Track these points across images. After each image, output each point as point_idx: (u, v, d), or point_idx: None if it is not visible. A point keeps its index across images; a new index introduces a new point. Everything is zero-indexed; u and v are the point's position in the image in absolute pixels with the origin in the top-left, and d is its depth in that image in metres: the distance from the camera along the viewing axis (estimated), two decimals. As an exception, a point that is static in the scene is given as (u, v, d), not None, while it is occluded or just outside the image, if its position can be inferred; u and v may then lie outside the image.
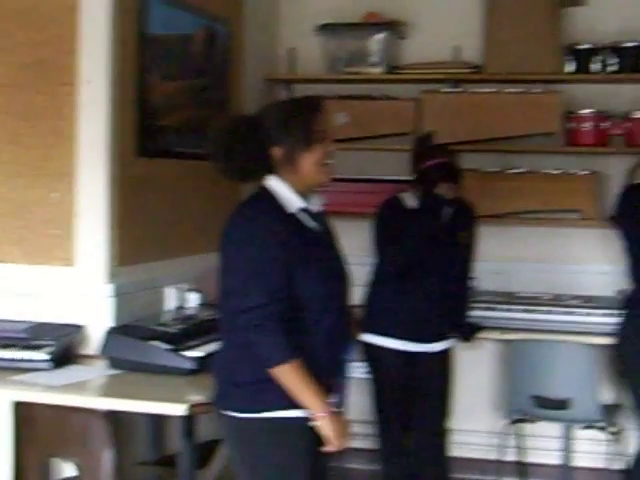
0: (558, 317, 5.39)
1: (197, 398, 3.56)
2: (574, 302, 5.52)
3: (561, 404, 5.07)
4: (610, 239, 5.20)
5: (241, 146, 3.12)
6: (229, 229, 3.15)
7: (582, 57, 5.65)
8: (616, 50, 5.60)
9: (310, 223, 3.22)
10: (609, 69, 5.62)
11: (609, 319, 5.02)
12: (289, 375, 3.05)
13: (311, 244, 3.18)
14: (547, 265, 5.89)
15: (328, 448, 3.13)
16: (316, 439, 3.15)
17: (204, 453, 4.12)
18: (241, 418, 3.14)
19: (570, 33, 5.70)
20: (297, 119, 3.14)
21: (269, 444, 3.17)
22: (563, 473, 5.58)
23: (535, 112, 5.62)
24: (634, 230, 4.73)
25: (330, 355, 3.26)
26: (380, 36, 5.79)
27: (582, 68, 5.64)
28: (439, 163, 4.51)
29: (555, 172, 5.66)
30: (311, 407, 3.07)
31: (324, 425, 3.08)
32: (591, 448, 5.52)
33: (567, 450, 5.52)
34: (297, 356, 3.02)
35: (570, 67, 5.65)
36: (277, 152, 3.11)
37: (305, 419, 3.15)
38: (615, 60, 5.61)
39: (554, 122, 5.60)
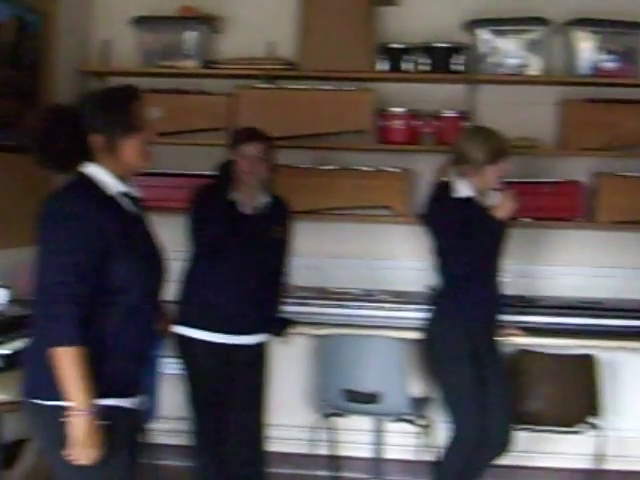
0: (369, 312, 5.44)
1: (2, 397, 3.46)
2: (385, 297, 5.58)
3: (371, 398, 5.11)
4: (420, 236, 5.22)
5: (58, 135, 3.05)
6: (43, 214, 3.05)
7: (394, 56, 5.71)
8: (427, 50, 5.70)
9: (131, 207, 3.18)
10: (420, 68, 5.71)
11: (418, 314, 5.05)
12: (66, 360, 2.93)
13: (131, 229, 3.13)
14: (359, 261, 5.94)
15: (69, 451, 2.99)
16: (131, 430, 3.09)
17: (10, 453, 4.02)
18: (49, 406, 3.02)
19: (383, 32, 5.77)
20: (117, 106, 3.10)
21: None
22: (374, 466, 5.65)
23: (348, 109, 5.66)
24: (441, 228, 4.81)
25: (138, 349, 3.19)
26: (195, 30, 5.76)
27: (394, 67, 5.71)
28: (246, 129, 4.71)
29: (367, 169, 5.72)
30: (74, 400, 2.93)
31: (77, 425, 2.93)
32: (401, 441, 5.57)
33: (378, 443, 5.59)
34: (83, 344, 2.91)
35: (383, 66, 5.70)
36: (97, 140, 3.06)
37: (121, 409, 3.09)
38: (426, 60, 5.71)
39: (366, 120, 5.65)
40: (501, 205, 4.68)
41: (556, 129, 5.77)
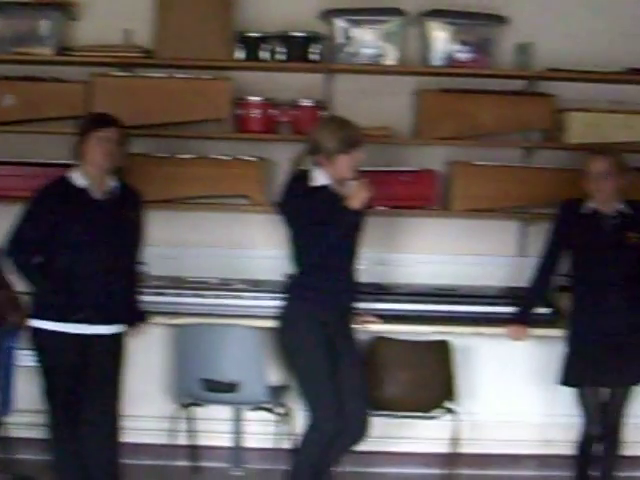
0: (226, 301, 5.49)
1: None
2: (242, 286, 5.63)
3: (230, 387, 5.14)
4: (277, 224, 5.23)
5: None
6: None
7: (252, 45, 5.73)
8: (284, 39, 5.73)
9: None
10: (277, 57, 5.74)
11: (275, 303, 5.07)
12: None
13: None
14: (217, 249, 5.95)
15: None
16: None
17: None
18: None
19: (241, 21, 5.77)
20: None
21: None
22: (234, 454, 5.71)
23: (205, 98, 5.66)
24: (297, 217, 4.84)
25: None
26: (50, 17, 5.65)
27: (252, 56, 5.73)
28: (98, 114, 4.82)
29: (224, 158, 5.72)
30: None
31: None
32: (261, 429, 5.61)
33: (237, 432, 5.67)
34: None
35: (240, 54, 5.72)
36: None
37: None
38: (283, 49, 5.74)
39: (223, 108, 5.67)
40: (354, 195, 4.70)
41: (411, 119, 5.85)
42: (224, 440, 5.72)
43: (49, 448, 4.79)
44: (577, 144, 5.86)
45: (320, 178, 4.87)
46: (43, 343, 4.63)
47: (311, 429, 4.90)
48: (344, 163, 4.84)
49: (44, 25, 5.67)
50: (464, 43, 5.87)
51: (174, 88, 5.66)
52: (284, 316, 4.97)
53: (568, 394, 5.31)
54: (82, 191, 4.63)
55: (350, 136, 4.87)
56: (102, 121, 4.72)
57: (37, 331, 4.62)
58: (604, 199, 5.18)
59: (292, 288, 5.01)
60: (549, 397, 5.85)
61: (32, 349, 4.63)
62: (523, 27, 5.98)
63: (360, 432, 4.90)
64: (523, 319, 5.40)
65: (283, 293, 5.03)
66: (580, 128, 5.91)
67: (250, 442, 5.74)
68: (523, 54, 5.95)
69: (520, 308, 5.44)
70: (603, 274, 5.18)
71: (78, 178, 4.67)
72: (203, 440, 5.73)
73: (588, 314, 5.22)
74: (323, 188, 4.86)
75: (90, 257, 4.53)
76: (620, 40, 6.04)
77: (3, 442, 4.90)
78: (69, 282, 4.54)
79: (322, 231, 4.81)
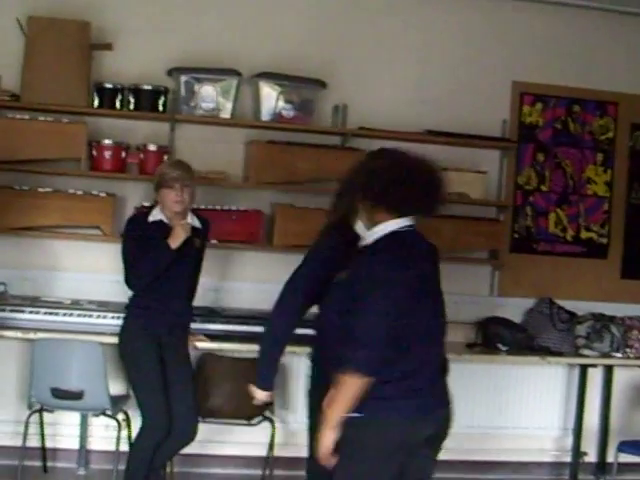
0: (76, 319, 5.48)
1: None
2: (90, 306, 5.62)
3: (77, 395, 5.18)
4: (108, 254, 5.58)
5: None
6: None
7: (107, 94, 5.82)
8: (135, 91, 5.83)
9: None
10: (129, 106, 5.85)
11: (118, 321, 5.20)
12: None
13: None
14: (69, 274, 5.91)
15: None
16: None
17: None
18: None
19: (98, 73, 5.84)
20: None
21: None
22: (80, 456, 5.84)
23: (64, 139, 5.69)
24: (128, 246, 5.01)
25: None
26: None
27: (107, 104, 5.81)
28: None
29: (79, 193, 5.72)
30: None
31: None
32: (105, 433, 5.71)
33: (84, 435, 5.83)
34: None
35: (96, 102, 5.80)
36: None
37: None
38: (134, 99, 5.84)
39: (80, 149, 5.70)
40: (173, 234, 4.86)
41: (242, 165, 6.00)
42: (72, 443, 5.83)
43: None
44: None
45: (155, 214, 5.01)
46: None
47: (142, 430, 4.97)
48: (165, 199, 4.94)
49: None
50: (289, 102, 6.06)
51: (37, 129, 5.64)
52: (121, 334, 5.07)
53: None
54: None
55: (162, 175, 4.98)
56: None
57: None
58: None
59: (128, 309, 5.11)
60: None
61: None
62: (340, 91, 6.22)
63: (188, 436, 5.01)
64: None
65: (123, 313, 5.14)
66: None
67: (96, 444, 5.86)
68: (339, 114, 6.22)
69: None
70: None
71: None
72: (53, 443, 5.78)
73: None
74: (159, 223, 4.99)
75: None
76: (420, 106, 6.35)
77: None
78: None
79: (144, 260, 4.91)
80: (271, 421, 5.58)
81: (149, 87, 5.90)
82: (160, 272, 4.86)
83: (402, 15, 6.42)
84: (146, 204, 5.50)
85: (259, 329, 5.37)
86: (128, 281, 5.02)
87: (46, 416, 5.57)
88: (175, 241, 4.83)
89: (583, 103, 6.73)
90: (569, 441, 6.40)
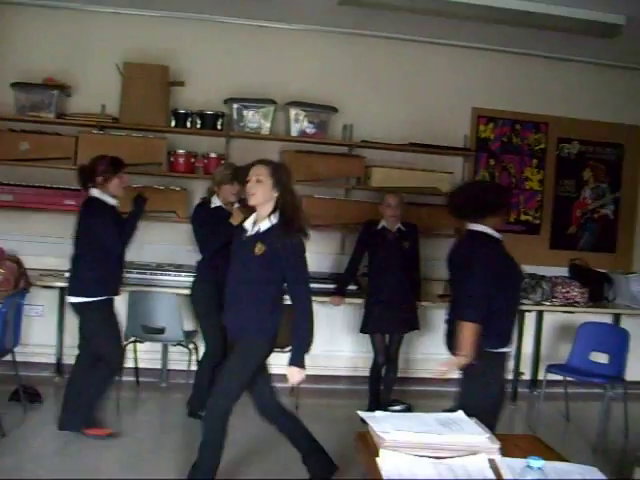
0: (159, 277, 5.61)
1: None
2: (169, 267, 5.78)
3: (160, 330, 5.38)
4: (182, 231, 5.58)
5: None
6: None
7: (181, 117, 5.95)
8: (201, 115, 5.98)
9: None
10: (196, 126, 5.97)
11: (189, 278, 5.31)
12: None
13: None
14: (154, 245, 5.92)
15: None
16: None
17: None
18: None
19: (175, 102, 5.96)
20: None
21: None
22: (162, 373, 5.98)
23: (150, 149, 5.82)
24: (198, 225, 4.99)
25: None
26: (53, 93, 5.74)
27: (180, 124, 5.95)
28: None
29: (161, 187, 5.86)
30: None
31: None
32: (179, 357, 5.76)
33: (164, 359, 6.01)
34: None
35: (173, 123, 5.94)
36: None
37: None
38: (200, 121, 5.97)
39: (162, 156, 5.88)
40: (233, 215, 4.76)
41: None
42: (156, 364, 5.97)
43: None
44: (377, 187, 6.06)
45: (215, 201, 5.04)
46: None
47: (205, 355, 5.00)
48: (226, 192, 4.97)
49: (49, 98, 5.75)
50: (311, 122, 6.08)
51: (131, 142, 5.75)
52: (193, 287, 5.16)
53: (366, 338, 5.49)
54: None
55: (220, 175, 5.01)
56: (120, 163, 4.64)
57: None
58: (392, 221, 5.35)
59: (198, 270, 5.13)
60: (356, 340, 6.06)
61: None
62: (347, 115, 6.27)
63: None
64: (341, 292, 5.57)
65: (193, 273, 5.19)
66: (379, 178, 6.10)
67: (172, 366, 5.98)
68: (347, 131, 6.28)
69: (339, 285, 5.60)
70: (386, 267, 5.34)
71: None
72: (144, 364, 5.88)
73: (376, 289, 5.37)
74: (218, 208, 5.02)
75: None
76: (406, 125, 6.36)
77: (13, 364, 4.78)
78: None
79: (211, 236, 4.87)
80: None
81: (211, 112, 6.02)
82: (223, 243, 4.65)
83: (393, 61, 6.45)
84: (203, 196, 5.43)
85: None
86: (202, 249, 5.05)
87: (138, 346, 5.72)
88: (236, 220, 4.59)
89: (523, 123, 6.79)
90: (511, 364, 6.16)
